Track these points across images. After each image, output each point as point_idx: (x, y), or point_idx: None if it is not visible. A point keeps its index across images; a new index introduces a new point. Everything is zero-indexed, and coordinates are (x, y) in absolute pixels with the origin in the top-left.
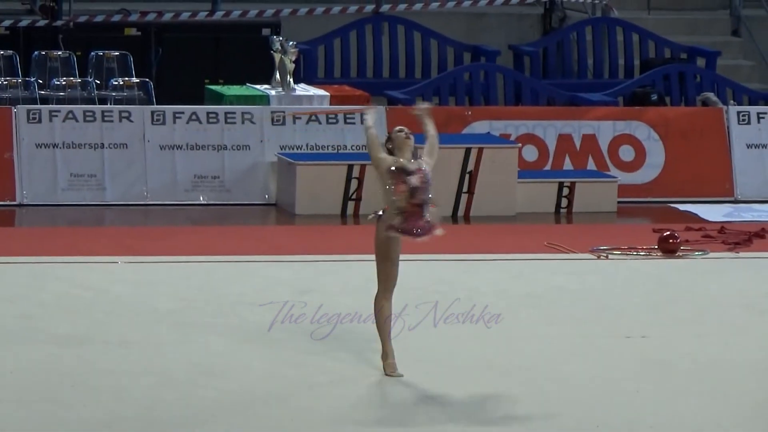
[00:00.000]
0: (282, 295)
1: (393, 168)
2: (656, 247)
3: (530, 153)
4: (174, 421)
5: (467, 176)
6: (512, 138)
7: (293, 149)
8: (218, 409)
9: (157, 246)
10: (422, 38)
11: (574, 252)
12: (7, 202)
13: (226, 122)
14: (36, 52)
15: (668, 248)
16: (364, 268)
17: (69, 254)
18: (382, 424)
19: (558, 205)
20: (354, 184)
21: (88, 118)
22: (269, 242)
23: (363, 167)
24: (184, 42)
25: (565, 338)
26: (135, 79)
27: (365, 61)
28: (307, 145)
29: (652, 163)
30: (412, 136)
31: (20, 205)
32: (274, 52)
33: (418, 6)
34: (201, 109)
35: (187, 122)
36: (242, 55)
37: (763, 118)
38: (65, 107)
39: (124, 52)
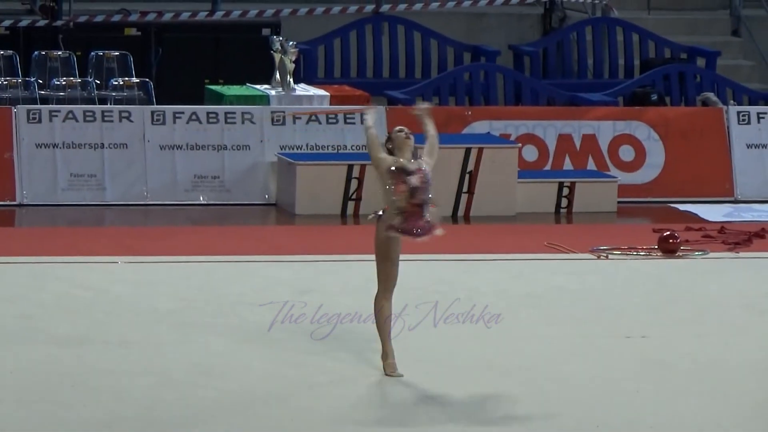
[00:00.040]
0: (282, 295)
1: (393, 168)
2: (656, 247)
3: (530, 153)
4: (174, 421)
5: (467, 176)
6: (512, 138)
7: (293, 149)
8: (218, 409)
9: (157, 246)
10: (422, 38)
11: (574, 252)
12: (7, 202)
13: (226, 122)
14: (36, 52)
15: (668, 248)
16: (364, 268)
17: (69, 254)
18: (382, 424)
19: (558, 205)
20: (354, 184)
21: (88, 118)
22: (269, 242)
23: (363, 167)
24: (184, 42)
25: (565, 338)
26: (135, 79)
27: (365, 61)
28: (307, 145)
29: (652, 163)
30: (412, 136)
31: (20, 205)
32: (274, 52)
33: (418, 6)
34: (201, 109)
35: (187, 122)
36: (242, 55)
37: (763, 118)
38: (65, 107)
39: (124, 52)
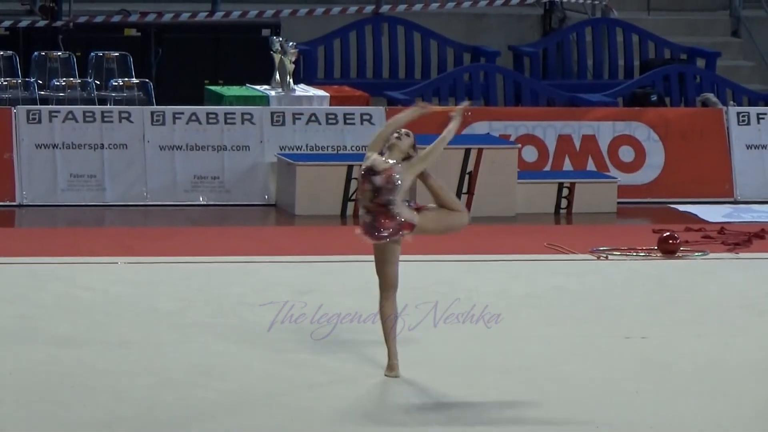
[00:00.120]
0: (282, 296)
1: (363, 167)
2: (656, 247)
3: (530, 153)
4: (174, 422)
5: (467, 177)
6: (512, 139)
7: (293, 150)
8: (218, 409)
9: (157, 246)
10: (422, 39)
11: (574, 252)
12: (7, 203)
13: (225, 123)
14: (36, 53)
15: (668, 249)
16: (363, 269)
17: (69, 255)
18: (382, 424)
19: (558, 206)
20: (354, 184)
21: (87, 119)
22: (269, 243)
23: None
24: (183, 42)
25: (565, 338)
26: (135, 80)
27: (365, 62)
28: (306, 146)
29: (651, 164)
30: (406, 138)
31: (20, 206)
32: (274, 52)
33: (417, 7)
34: (201, 109)
35: (187, 123)
36: (242, 55)
37: (762, 118)
38: (65, 108)
39: (123, 52)
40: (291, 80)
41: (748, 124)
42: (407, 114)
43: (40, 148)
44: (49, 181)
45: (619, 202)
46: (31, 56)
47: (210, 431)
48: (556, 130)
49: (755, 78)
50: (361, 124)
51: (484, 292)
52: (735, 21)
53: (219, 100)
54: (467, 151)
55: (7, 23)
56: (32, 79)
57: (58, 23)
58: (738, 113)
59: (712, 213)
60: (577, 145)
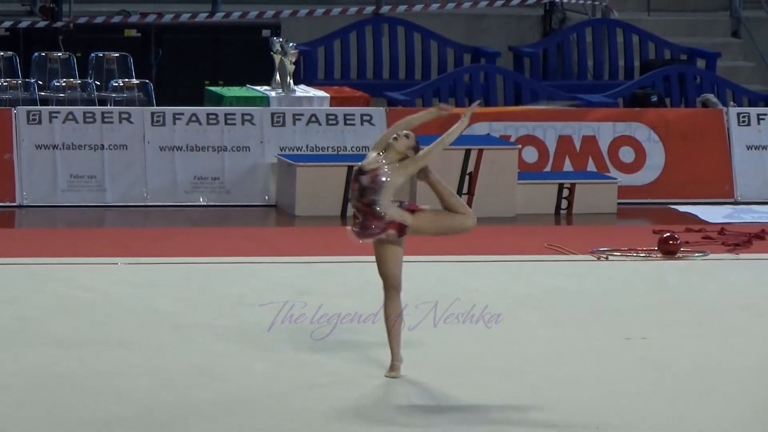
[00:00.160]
0: (282, 296)
1: (355, 167)
2: (656, 248)
3: (530, 154)
4: (174, 422)
5: (467, 177)
6: (512, 139)
7: (293, 150)
8: (218, 410)
9: (157, 247)
10: (422, 39)
11: (574, 253)
12: (7, 204)
13: (226, 123)
14: (36, 54)
15: (668, 250)
16: (363, 269)
17: (69, 255)
18: (382, 424)
19: (558, 207)
20: None
21: (88, 120)
22: (269, 243)
23: None
24: (184, 43)
25: (565, 339)
26: (135, 81)
27: (365, 63)
28: (307, 147)
29: (652, 165)
30: (403, 139)
31: (20, 207)
32: (274, 53)
33: (418, 7)
34: (201, 110)
35: (187, 123)
36: (242, 56)
37: (763, 119)
38: (65, 108)
39: (124, 53)
40: (291, 81)
41: (749, 124)
42: (422, 115)
43: (41, 148)
44: (50, 182)
45: (619, 203)
46: (31, 57)
47: (210, 431)
48: (557, 131)
49: (755, 78)
50: (362, 124)
51: (484, 292)
52: (735, 21)
53: (219, 100)
54: (467, 152)
55: (7, 24)
56: (32, 80)
57: (59, 24)
58: (738, 114)
59: (713, 214)
60: (578, 145)
